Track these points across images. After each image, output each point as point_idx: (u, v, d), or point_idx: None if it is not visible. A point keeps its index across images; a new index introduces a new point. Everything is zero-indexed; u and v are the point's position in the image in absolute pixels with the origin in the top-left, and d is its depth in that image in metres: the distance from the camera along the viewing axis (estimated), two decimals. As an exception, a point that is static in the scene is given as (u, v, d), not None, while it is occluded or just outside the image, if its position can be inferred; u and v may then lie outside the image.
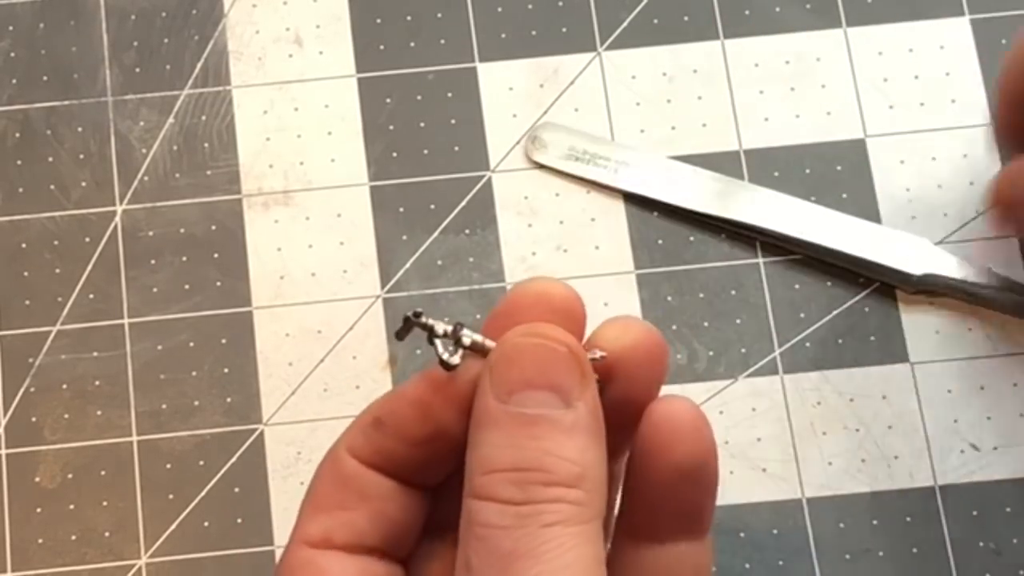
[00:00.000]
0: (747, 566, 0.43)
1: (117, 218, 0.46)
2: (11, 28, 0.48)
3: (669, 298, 0.46)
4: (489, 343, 0.30)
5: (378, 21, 0.48)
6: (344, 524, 0.32)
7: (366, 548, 0.32)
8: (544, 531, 0.29)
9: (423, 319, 0.31)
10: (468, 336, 0.30)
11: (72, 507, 0.44)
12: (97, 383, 0.45)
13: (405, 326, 0.31)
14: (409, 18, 0.48)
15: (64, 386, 0.45)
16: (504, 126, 0.47)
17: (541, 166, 0.47)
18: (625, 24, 0.48)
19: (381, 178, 0.47)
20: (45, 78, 0.48)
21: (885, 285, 0.46)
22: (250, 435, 0.44)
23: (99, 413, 0.45)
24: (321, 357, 0.45)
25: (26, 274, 0.46)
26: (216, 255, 0.46)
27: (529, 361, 0.30)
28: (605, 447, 0.31)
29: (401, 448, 0.32)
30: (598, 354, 0.31)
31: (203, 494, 0.44)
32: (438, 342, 0.30)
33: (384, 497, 0.32)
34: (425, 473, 0.32)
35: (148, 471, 0.44)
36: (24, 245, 0.46)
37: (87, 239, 0.46)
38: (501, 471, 0.30)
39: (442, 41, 0.48)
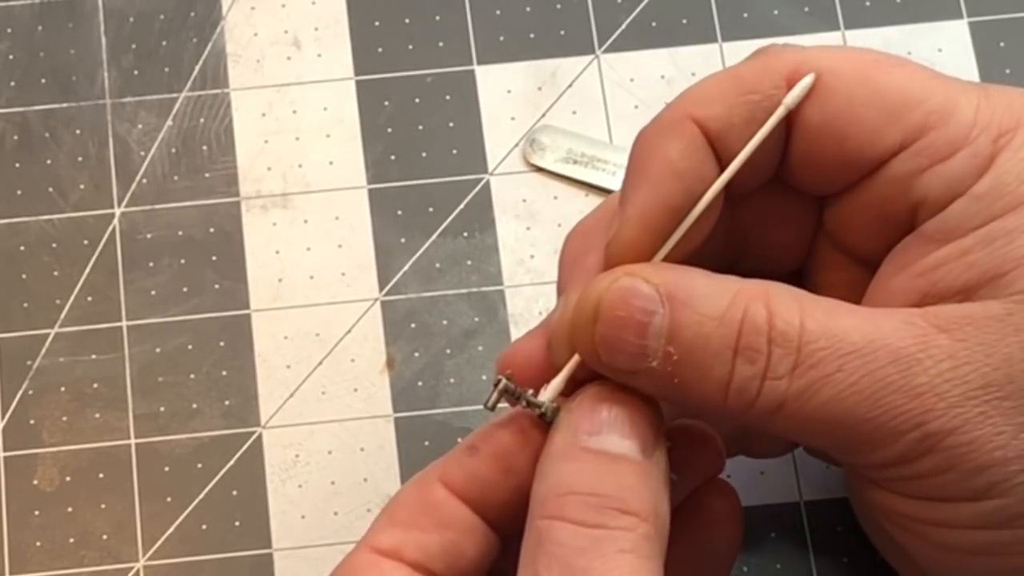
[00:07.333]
0: (744, 569, 0.43)
1: (115, 221, 0.46)
2: (9, 30, 0.48)
3: (667, 301, 0.46)
4: None
5: (376, 24, 0.48)
6: (416, 543, 0.32)
7: (431, 572, 0.32)
8: (619, 556, 0.29)
9: (517, 391, 0.32)
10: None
11: (70, 510, 0.44)
12: (95, 386, 0.45)
13: (502, 397, 0.33)
14: (407, 21, 0.48)
15: (62, 389, 0.45)
16: (502, 129, 0.47)
17: (539, 169, 0.47)
18: (623, 27, 0.48)
19: (379, 181, 0.47)
20: (43, 80, 0.47)
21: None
22: (248, 438, 0.44)
23: (97, 416, 0.45)
24: (319, 360, 0.45)
25: (24, 276, 0.46)
26: (214, 258, 0.46)
27: (615, 407, 0.32)
28: (669, 505, 0.32)
29: (492, 474, 0.33)
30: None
31: (201, 497, 0.44)
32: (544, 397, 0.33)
33: (462, 530, 0.33)
34: (506, 511, 0.33)
35: (146, 474, 0.44)
36: (22, 248, 0.46)
37: (85, 242, 0.46)
38: (577, 494, 0.30)
39: (440, 44, 0.48)
